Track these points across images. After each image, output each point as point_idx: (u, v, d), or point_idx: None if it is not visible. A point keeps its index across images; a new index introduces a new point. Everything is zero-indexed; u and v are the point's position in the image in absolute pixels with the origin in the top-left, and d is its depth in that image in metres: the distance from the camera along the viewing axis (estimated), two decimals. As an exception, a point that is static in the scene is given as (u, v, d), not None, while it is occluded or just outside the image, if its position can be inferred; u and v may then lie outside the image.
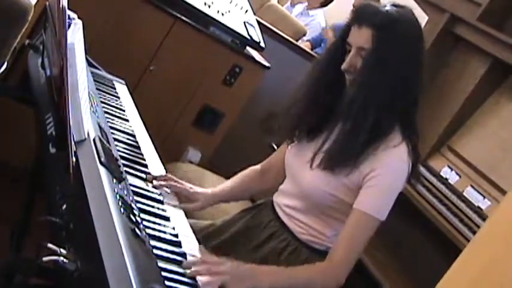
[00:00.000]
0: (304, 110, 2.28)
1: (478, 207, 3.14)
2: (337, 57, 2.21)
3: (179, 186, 2.33)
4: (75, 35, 1.98)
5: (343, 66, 2.17)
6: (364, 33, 2.12)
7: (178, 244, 1.86)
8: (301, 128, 2.30)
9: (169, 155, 2.38)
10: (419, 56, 2.17)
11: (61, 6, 1.79)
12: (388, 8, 2.16)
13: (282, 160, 2.42)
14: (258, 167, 2.55)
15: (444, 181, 3.36)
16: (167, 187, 2.26)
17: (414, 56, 2.15)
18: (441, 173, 3.40)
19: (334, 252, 2.12)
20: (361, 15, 2.15)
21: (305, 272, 2.12)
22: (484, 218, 3.08)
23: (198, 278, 1.78)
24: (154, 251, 1.73)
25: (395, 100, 2.12)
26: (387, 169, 2.10)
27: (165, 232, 1.88)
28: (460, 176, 3.33)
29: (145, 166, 2.24)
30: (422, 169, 3.44)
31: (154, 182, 2.22)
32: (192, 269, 1.79)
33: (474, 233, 3.06)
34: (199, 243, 1.99)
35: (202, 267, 1.82)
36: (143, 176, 2.17)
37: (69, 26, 2.03)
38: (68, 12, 1.98)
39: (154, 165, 2.32)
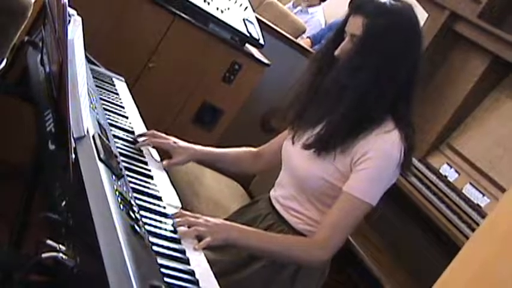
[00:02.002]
0: (306, 100, 2.31)
1: (477, 204, 3.14)
2: (335, 46, 2.25)
3: (162, 142, 2.37)
4: (75, 32, 1.98)
5: (336, 52, 2.23)
6: (357, 21, 2.18)
7: (177, 241, 1.86)
8: (302, 118, 2.33)
9: (168, 151, 2.37)
10: (410, 50, 2.19)
11: (61, 2, 1.78)
12: (385, 0, 2.18)
13: (275, 149, 2.47)
14: (254, 149, 2.59)
15: (443, 178, 3.36)
16: (149, 144, 2.34)
17: (404, 48, 2.17)
18: (440, 171, 3.41)
19: (319, 231, 2.16)
20: (356, 5, 2.21)
21: (286, 241, 2.18)
22: (483, 215, 3.08)
23: (178, 227, 1.93)
24: (154, 247, 1.73)
25: (381, 87, 2.14)
26: (378, 153, 2.12)
27: (164, 229, 1.88)
28: (459, 174, 3.33)
29: (145, 163, 2.24)
30: (421, 166, 3.44)
31: (139, 140, 2.31)
32: (175, 220, 1.94)
33: (473, 230, 3.06)
34: (199, 241, 1.99)
35: (181, 219, 1.96)
36: (143, 171, 2.17)
37: (69, 22, 2.03)
38: (67, 8, 1.98)
39: (153, 162, 2.31)
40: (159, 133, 2.40)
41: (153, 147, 2.38)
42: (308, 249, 2.15)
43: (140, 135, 2.35)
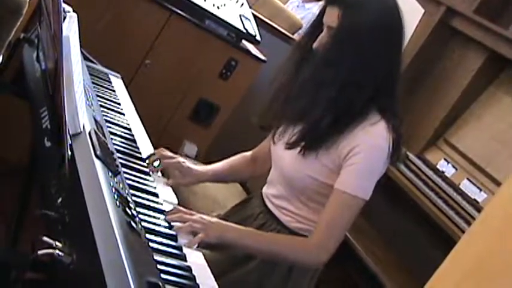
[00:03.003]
0: (285, 96, 2.27)
1: (475, 200, 3.14)
2: (314, 38, 2.21)
3: (170, 162, 2.35)
4: (70, 28, 1.97)
5: (314, 45, 2.18)
6: (333, 12, 2.13)
7: (174, 237, 1.86)
8: (282, 115, 2.30)
9: (165, 149, 2.37)
10: (389, 42, 2.15)
11: (56, -1, 1.78)
12: None
13: (268, 149, 2.43)
14: (249, 153, 2.57)
15: (440, 174, 3.36)
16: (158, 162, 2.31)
17: (382, 41, 2.12)
18: (437, 166, 3.41)
19: (315, 231, 2.14)
20: None
21: (283, 242, 2.17)
22: (480, 210, 3.08)
23: (173, 223, 1.94)
24: (150, 244, 1.73)
25: (359, 81, 2.10)
26: (365, 146, 2.09)
27: (160, 225, 1.88)
28: (456, 169, 3.33)
29: (141, 159, 2.24)
30: (418, 162, 3.44)
31: (147, 161, 2.28)
32: (167, 216, 1.95)
33: (470, 225, 3.06)
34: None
35: (175, 215, 1.97)
36: (139, 168, 2.16)
37: (64, 19, 2.02)
38: (63, 5, 1.98)
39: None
40: (167, 151, 2.37)
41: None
42: (306, 250, 2.13)
43: (150, 156, 2.31)
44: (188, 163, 2.41)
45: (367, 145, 2.09)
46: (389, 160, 2.15)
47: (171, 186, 2.24)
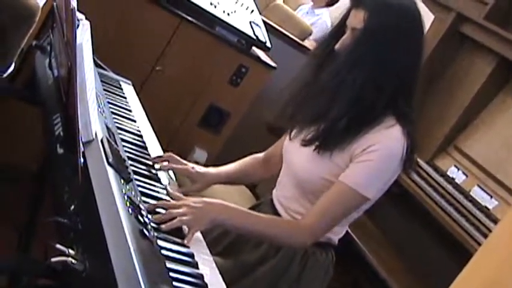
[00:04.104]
0: (304, 95, 2.29)
1: (485, 207, 3.14)
2: (336, 41, 2.23)
3: (180, 167, 2.34)
4: (83, 36, 1.99)
5: (336, 46, 2.21)
6: (358, 14, 2.16)
7: (186, 244, 1.86)
8: (300, 113, 2.31)
9: (175, 154, 2.38)
10: (411, 47, 2.17)
11: (70, 7, 1.79)
12: None
13: (281, 150, 2.43)
14: (260, 155, 2.58)
15: (451, 181, 3.36)
16: (168, 169, 2.31)
17: (405, 45, 2.15)
18: (448, 173, 3.40)
19: (307, 215, 2.15)
20: None
21: (272, 222, 2.17)
22: (491, 218, 3.08)
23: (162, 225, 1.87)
24: (162, 251, 1.73)
25: (380, 83, 2.11)
26: (379, 146, 2.10)
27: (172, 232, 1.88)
28: (466, 176, 3.33)
29: (152, 166, 2.24)
30: (428, 169, 3.44)
31: (156, 166, 2.26)
32: (155, 216, 1.87)
33: (481, 232, 3.05)
34: (208, 246, 1.99)
35: (162, 216, 1.88)
36: (150, 175, 2.17)
37: (77, 27, 2.03)
38: (76, 13, 1.99)
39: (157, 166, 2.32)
40: (176, 156, 2.37)
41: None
42: (292, 231, 2.13)
43: (157, 158, 2.32)
44: (197, 168, 2.40)
45: (381, 145, 2.10)
46: (402, 166, 2.15)
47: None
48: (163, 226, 1.85)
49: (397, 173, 2.18)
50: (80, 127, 1.77)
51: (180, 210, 1.93)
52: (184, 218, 1.91)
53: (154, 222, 1.84)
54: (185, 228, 1.93)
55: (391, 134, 2.12)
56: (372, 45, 2.12)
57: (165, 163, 2.30)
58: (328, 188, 2.17)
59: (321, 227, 2.13)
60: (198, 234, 1.97)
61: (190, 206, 1.97)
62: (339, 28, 2.26)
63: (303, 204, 2.26)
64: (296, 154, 2.27)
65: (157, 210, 1.93)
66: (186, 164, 2.38)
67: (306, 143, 2.21)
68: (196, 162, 3.73)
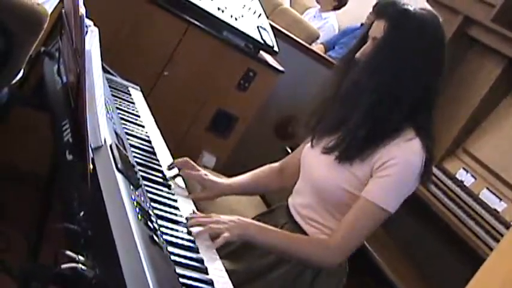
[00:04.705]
0: (328, 105, 2.31)
1: (494, 209, 3.12)
2: (357, 51, 2.26)
3: (193, 174, 2.35)
4: (92, 43, 1.99)
5: (357, 55, 2.24)
6: (379, 24, 2.19)
7: (195, 250, 1.86)
8: (322, 122, 2.32)
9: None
10: (431, 58, 2.18)
11: (79, 14, 1.79)
12: (409, 6, 2.20)
13: (299, 159, 2.43)
14: (276, 164, 2.57)
15: (459, 184, 3.34)
16: (181, 175, 2.32)
17: (424, 56, 2.16)
18: (456, 176, 3.38)
19: (334, 235, 2.16)
20: (380, 9, 2.22)
21: (301, 241, 2.19)
22: (500, 220, 3.06)
23: (192, 228, 1.96)
24: (172, 257, 1.73)
25: (399, 92, 2.13)
26: (399, 160, 2.11)
27: (182, 238, 1.88)
28: (475, 179, 3.31)
29: (161, 172, 2.25)
30: (437, 171, 3.42)
31: (170, 174, 2.28)
32: (188, 223, 1.96)
33: (491, 235, 3.04)
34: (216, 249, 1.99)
35: (194, 220, 1.99)
36: (160, 181, 2.17)
37: (86, 33, 2.04)
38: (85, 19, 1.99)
39: (170, 171, 2.32)
40: (192, 162, 2.38)
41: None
42: (321, 250, 2.14)
43: (172, 164, 2.33)
44: (211, 176, 2.40)
45: (401, 159, 2.11)
46: (420, 179, 2.16)
47: (192, 200, 2.25)
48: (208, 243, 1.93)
49: (415, 186, 2.19)
50: (88, 133, 1.77)
51: (211, 219, 2.02)
52: (214, 226, 1.99)
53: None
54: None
55: (411, 147, 2.13)
56: (391, 54, 2.14)
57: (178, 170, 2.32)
58: (345, 198, 2.18)
59: (350, 245, 2.14)
60: (207, 239, 1.98)
61: (221, 218, 2.04)
62: (362, 40, 2.28)
63: (319, 213, 2.26)
64: (316, 162, 2.27)
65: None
66: (199, 170, 2.38)
67: (326, 151, 2.22)
68: (205, 167, 3.76)
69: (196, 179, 2.37)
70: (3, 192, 3.40)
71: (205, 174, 2.38)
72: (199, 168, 2.39)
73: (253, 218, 2.50)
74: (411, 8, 2.19)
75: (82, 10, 1.80)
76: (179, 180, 2.30)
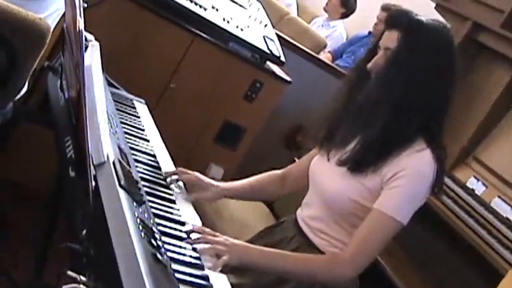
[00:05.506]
0: (339, 117, 2.29)
1: (506, 218, 3.09)
2: (368, 62, 2.23)
3: (189, 176, 2.34)
4: (92, 57, 1.97)
5: (368, 65, 2.21)
6: (392, 35, 2.17)
7: (200, 267, 1.84)
8: (335, 135, 2.30)
9: (191, 171, 2.36)
10: (444, 70, 2.16)
11: (77, 29, 1.77)
12: (422, 17, 2.18)
13: (304, 168, 2.43)
14: (279, 172, 2.55)
15: (471, 192, 3.31)
16: (180, 179, 2.31)
17: (438, 67, 2.14)
18: (467, 184, 3.36)
19: (348, 247, 2.12)
20: (392, 19, 2.20)
21: (308, 260, 2.13)
22: (512, 229, 3.03)
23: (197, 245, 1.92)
24: (176, 274, 1.70)
25: (413, 104, 2.11)
26: (410, 171, 2.08)
27: (186, 255, 1.85)
28: (486, 187, 3.28)
29: (167, 187, 2.22)
30: (448, 180, 3.39)
31: (168, 179, 2.27)
32: (193, 238, 1.93)
33: (503, 244, 3.01)
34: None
35: (199, 236, 1.95)
36: (164, 196, 2.15)
37: (86, 48, 2.02)
38: (85, 33, 1.97)
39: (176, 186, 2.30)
40: (184, 169, 2.37)
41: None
42: (332, 266, 2.10)
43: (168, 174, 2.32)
44: (208, 179, 2.40)
45: (413, 170, 2.09)
46: (431, 190, 2.13)
47: (193, 206, 2.23)
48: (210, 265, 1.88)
49: (427, 197, 2.16)
50: (90, 149, 1.74)
51: (217, 239, 1.98)
52: (219, 246, 1.95)
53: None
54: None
55: (422, 158, 2.11)
56: (405, 65, 2.12)
57: (174, 176, 2.31)
58: (355, 209, 2.16)
59: (363, 258, 2.09)
60: (213, 255, 1.95)
61: (227, 240, 2.00)
62: (372, 50, 2.26)
63: (328, 224, 2.24)
64: (328, 174, 2.25)
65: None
66: (193, 173, 2.37)
67: (340, 163, 2.19)
68: (213, 179, 3.73)
69: (192, 180, 2.35)
70: (13, 208, 3.39)
71: (200, 175, 2.38)
72: (194, 172, 2.38)
73: (261, 232, 2.48)
74: (424, 19, 2.17)
75: (80, 25, 1.77)
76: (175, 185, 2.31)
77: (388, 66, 2.15)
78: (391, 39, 2.17)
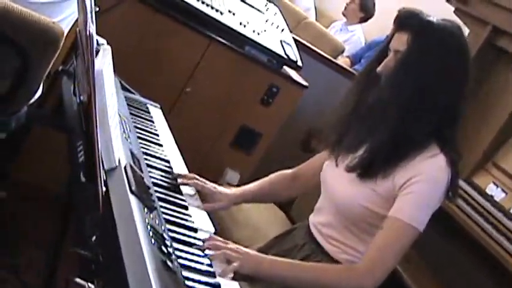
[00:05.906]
0: (348, 121, 2.27)
1: (526, 225, 3.04)
2: (378, 64, 2.21)
3: (202, 185, 2.32)
4: (104, 62, 1.95)
5: (378, 68, 2.18)
6: (402, 37, 2.14)
7: (212, 274, 1.81)
8: (345, 139, 2.27)
9: (207, 177, 2.34)
10: (456, 71, 2.13)
11: (88, 33, 1.75)
12: (432, 17, 2.15)
13: (314, 168, 2.42)
14: (289, 171, 2.53)
15: (489, 198, 3.26)
16: (191, 185, 2.28)
17: (449, 69, 2.11)
18: (486, 190, 3.31)
19: (365, 256, 2.07)
20: (402, 21, 2.17)
21: (324, 270, 2.09)
22: (531, 236, 2.98)
23: (208, 251, 1.90)
24: (187, 282, 1.68)
25: (424, 106, 2.08)
26: (424, 177, 2.05)
27: (198, 262, 1.82)
28: (506, 193, 3.23)
29: (180, 193, 2.20)
30: (466, 186, 3.35)
31: (179, 180, 2.25)
32: (205, 244, 1.90)
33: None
34: None
35: (210, 243, 1.93)
36: (177, 202, 2.12)
37: (98, 52, 2.00)
38: (97, 37, 1.96)
39: (189, 191, 2.27)
40: (200, 178, 2.34)
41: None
42: (348, 278, 2.04)
43: (179, 176, 2.29)
44: (219, 188, 2.38)
45: (426, 175, 2.06)
46: (446, 195, 2.11)
47: (207, 213, 2.20)
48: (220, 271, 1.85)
49: (441, 202, 2.13)
50: (100, 155, 1.72)
51: (229, 246, 1.95)
52: (230, 253, 1.93)
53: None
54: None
55: (436, 163, 2.08)
56: (416, 68, 2.09)
57: (186, 181, 2.29)
58: (366, 216, 2.13)
59: (382, 268, 2.03)
60: (224, 261, 1.92)
61: (239, 248, 1.98)
62: (382, 52, 2.23)
63: (340, 231, 2.21)
64: (338, 179, 2.23)
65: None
66: (207, 184, 2.35)
67: (350, 169, 2.17)
68: (229, 184, 3.72)
69: (206, 191, 2.33)
70: (26, 210, 3.39)
71: (214, 187, 2.36)
72: (206, 181, 2.35)
73: (271, 241, 2.45)
74: (434, 20, 2.14)
75: (91, 29, 1.75)
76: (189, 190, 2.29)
77: (398, 69, 2.12)
78: (401, 41, 2.14)
